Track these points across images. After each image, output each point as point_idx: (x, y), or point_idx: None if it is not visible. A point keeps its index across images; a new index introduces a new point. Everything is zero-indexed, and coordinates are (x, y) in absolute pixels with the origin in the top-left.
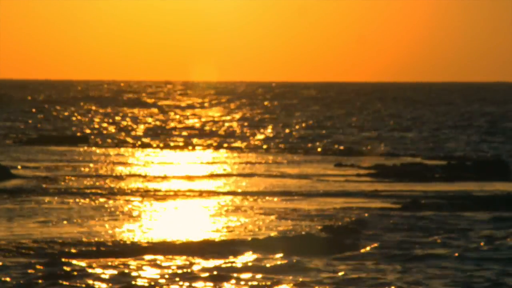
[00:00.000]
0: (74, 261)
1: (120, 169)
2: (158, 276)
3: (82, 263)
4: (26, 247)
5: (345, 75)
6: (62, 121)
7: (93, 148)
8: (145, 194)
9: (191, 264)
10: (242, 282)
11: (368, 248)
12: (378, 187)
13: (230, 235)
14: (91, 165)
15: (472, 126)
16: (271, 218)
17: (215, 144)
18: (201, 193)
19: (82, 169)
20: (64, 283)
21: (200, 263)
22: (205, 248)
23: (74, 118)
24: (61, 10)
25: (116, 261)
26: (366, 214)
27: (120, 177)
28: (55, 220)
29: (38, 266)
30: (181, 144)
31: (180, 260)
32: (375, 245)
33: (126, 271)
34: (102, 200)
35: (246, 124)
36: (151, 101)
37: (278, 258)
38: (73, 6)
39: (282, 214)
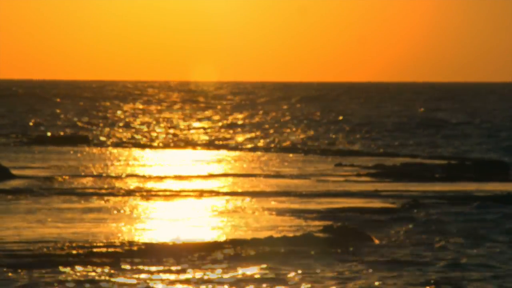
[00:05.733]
0: (74, 261)
1: (120, 169)
2: (158, 277)
3: (82, 263)
4: (26, 247)
5: (345, 75)
6: (62, 121)
7: (93, 148)
8: (145, 194)
9: (191, 264)
10: (242, 282)
11: (367, 248)
12: (378, 187)
13: (230, 235)
14: (91, 165)
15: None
16: (271, 218)
17: (215, 144)
18: (201, 193)
19: (82, 169)
20: (64, 283)
21: (200, 263)
22: (205, 248)
23: (75, 119)
24: (61, 10)
25: (116, 261)
26: (366, 214)
27: (120, 177)
28: (55, 220)
29: (38, 267)
30: (181, 144)
31: (180, 260)
32: (374, 245)
33: (126, 271)
34: (102, 200)
35: (248, 124)
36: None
37: (278, 258)
38: (73, 6)
39: (282, 214)
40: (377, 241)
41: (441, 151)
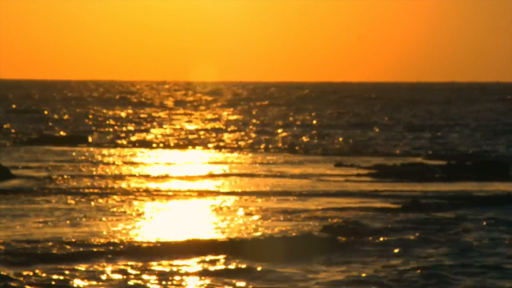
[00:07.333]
0: (74, 261)
1: (120, 169)
2: (158, 277)
3: (82, 263)
4: (26, 247)
5: (345, 75)
6: (62, 121)
7: (93, 148)
8: (145, 194)
9: (191, 264)
10: (243, 282)
11: (367, 248)
12: (378, 187)
13: (230, 235)
14: (91, 165)
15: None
16: (271, 218)
17: (215, 144)
18: (201, 193)
19: (82, 169)
20: (64, 283)
21: (200, 263)
22: (205, 248)
23: (73, 119)
24: (61, 10)
25: (116, 261)
26: (366, 214)
27: (120, 177)
28: (55, 220)
29: (38, 267)
30: (181, 144)
31: (180, 260)
32: (374, 245)
33: (126, 271)
34: (102, 200)
35: (246, 123)
36: (152, 101)
37: (278, 258)
38: (73, 6)
39: (282, 214)
40: (377, 241)
41: None
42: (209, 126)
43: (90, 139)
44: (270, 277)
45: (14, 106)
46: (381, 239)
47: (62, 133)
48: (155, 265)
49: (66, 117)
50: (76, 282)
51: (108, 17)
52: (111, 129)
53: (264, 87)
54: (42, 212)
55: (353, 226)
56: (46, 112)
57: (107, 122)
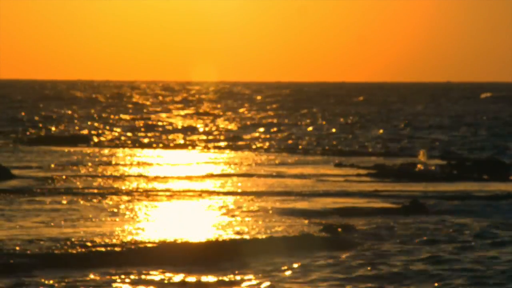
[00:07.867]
0: (74, 262)
1: (120, 169)
2: (158, 277)
3: (82, 264)
4: (25, 247)
5: (345, 75)
6: (63, 121)
7: (94, 148)
8: (145, 194)
9: (190, 264)
10: (242, 282)
11: (367, 248)
12: (378, 187)
13: (230, 235)
14: (91, 165)
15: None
16: (271, 218)
17: (215, 144)
18: (201, 193)
19: (82, 169)
20: (65, 284)
21: (200, 263)
22: (205, 249)
23: (74, 121)
24: (61, 10)
25: (116, 261)
26: (366, 214)
27: (120, 177)
28: (55, 220)
29: (38, 267)
30: (181, 144)
31: (180, 260)
32: (374, 245)
33: (126, 272)
34: (102, 200)
35: (247, 124)
36: (149, 102)
37: (278, 259)
38: (73, 6)
39: (282, 214)
40: (377, 241)
41: None
42: (208, 125)
43: (90, 140)
44: (269, 278)
45: (14, 106)
46: (381, 239)
47: (62, 133)
48: (154, 265)
49: (62, 117)
50: (75, 282)
51: (108, 17)
52: (110, 129)
53: (259, 87)
54: (42, 212)
55: (352, 227)
56: (43, 114)
57: (106, 122)
